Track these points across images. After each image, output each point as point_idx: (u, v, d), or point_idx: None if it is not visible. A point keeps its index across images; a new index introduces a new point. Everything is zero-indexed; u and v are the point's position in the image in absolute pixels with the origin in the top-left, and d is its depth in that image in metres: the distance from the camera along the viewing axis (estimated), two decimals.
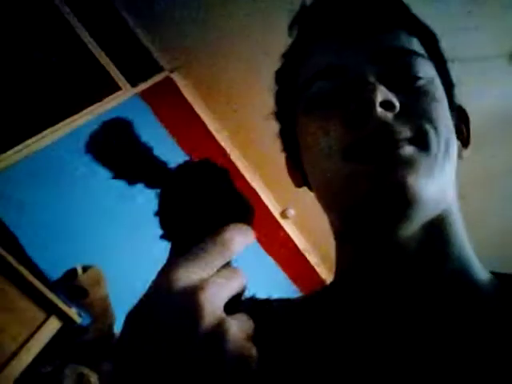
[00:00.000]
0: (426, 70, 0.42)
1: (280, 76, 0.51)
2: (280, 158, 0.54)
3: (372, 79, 0.39)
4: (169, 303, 0.28)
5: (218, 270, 0.30)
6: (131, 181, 0.34)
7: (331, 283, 0.48)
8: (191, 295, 0.27)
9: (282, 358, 0.39)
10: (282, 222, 2.52)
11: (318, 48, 0.44)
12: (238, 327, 0.28)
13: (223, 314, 0.28)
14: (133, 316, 0.29)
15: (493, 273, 0.44)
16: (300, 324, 0.43)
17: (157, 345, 0.27)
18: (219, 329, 0.27)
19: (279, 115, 0.51)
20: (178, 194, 0.33)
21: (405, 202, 0.36)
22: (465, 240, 0.43)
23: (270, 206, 2.46)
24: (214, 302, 0.28)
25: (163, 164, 0.34)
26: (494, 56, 1.66)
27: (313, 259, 2.61)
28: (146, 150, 0.35)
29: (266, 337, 0.41)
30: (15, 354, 1.01)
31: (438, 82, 0.43)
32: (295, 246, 2.58)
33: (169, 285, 0.28)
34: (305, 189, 0.51)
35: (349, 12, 0.43)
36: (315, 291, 0.49)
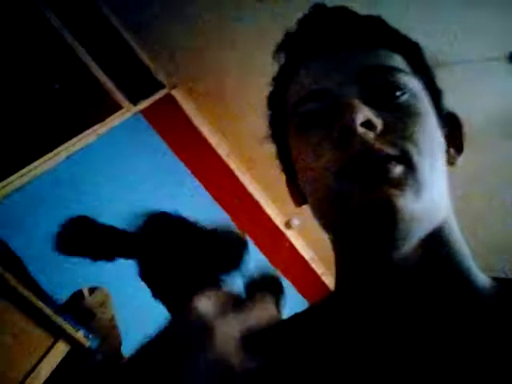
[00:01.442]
0: (408, 85, 0.42)
1: (271, 100, 0.51)
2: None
3: (353, 100, 0.39)
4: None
5: None
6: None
7: (331, 294, 0.48)
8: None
9: (285, 369, 0.39)
10: (287, 232, 2.52)
11: (302, 71, 0.45)
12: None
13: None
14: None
15: (494, 278, 0.44)
16: (303, 335, 0.43)
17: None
18: None
19: (274, 137, 0.52)
20: (156, 255, 0.33)
21: (394, 223, 0.36)
22: (463, 249, 0.43)
23: (274, 217, 2.46)
24: None
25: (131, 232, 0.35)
26: (493, 56, 1.66)
27: (318, 268, 2.61)
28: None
29: (272, 347, 0.41)
30: (23, 380, 1.01)
31: (422, 94, 0.43)
32: (300, 255, 2.57)
33: None
34: None
35: (330, 35, 0.44)
36: (318, 302, 0.49)
